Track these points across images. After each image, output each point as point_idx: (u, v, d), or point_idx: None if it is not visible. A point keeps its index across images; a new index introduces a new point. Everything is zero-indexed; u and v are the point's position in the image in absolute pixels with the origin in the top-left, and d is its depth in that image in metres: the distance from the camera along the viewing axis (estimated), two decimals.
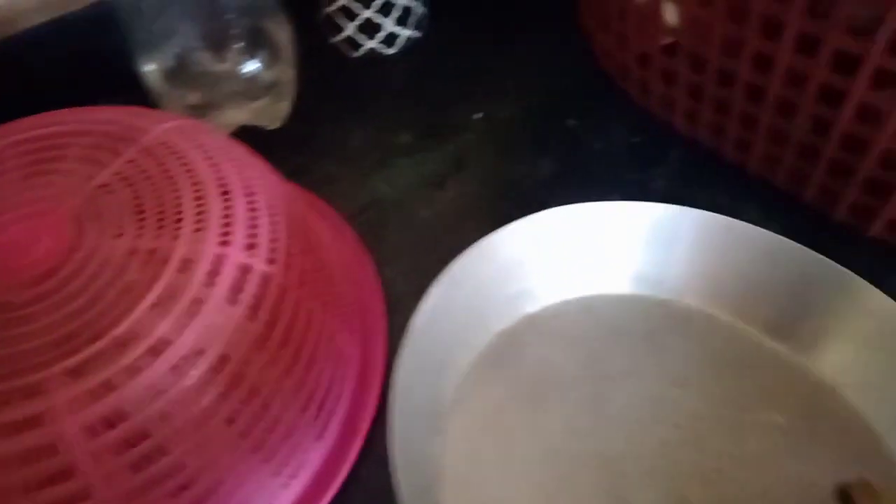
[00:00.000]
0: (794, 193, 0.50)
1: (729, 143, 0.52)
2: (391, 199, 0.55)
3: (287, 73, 0.57)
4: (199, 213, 0.32)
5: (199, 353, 0.30)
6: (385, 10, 0.60)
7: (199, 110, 0.55)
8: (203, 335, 0.30)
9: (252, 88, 0.56)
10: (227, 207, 0.33)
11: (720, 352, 0.44)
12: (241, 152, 0.38)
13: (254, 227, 0.33)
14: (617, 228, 0.46)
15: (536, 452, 0.40)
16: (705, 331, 0.45)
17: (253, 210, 0.34)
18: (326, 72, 0.63)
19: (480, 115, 0.59)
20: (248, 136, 0.57)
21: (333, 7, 0.60)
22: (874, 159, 0.43)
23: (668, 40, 0.50)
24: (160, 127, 0.35)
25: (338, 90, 0.62)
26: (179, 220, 0.32)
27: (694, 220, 0.45)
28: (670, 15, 0.49)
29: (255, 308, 0.32)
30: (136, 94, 0.55)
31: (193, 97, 0.55)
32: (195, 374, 0.30)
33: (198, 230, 0.31)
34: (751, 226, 0.44)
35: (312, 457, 0.37)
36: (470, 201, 0.54)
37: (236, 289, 0.31)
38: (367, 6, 0.59)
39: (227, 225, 0.32)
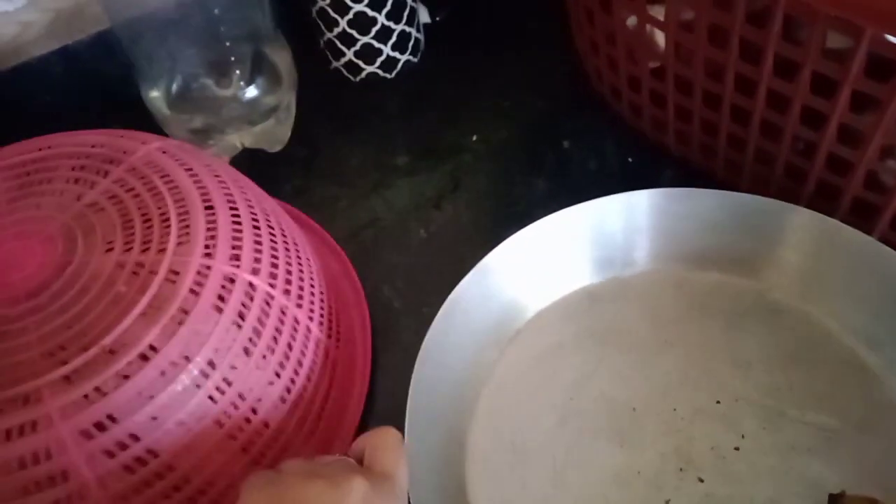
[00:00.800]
0: None
1: (719, 164, 0.52)
2: (389, 219, 0.56)
3: (287, 97, 0.59)
4: (183, 227, 0.34)
5: (186, 358, 0.31)
6: (383, 36, 0.62)
7: (203, 134, 0.57)
8: (190, 342, 0.31)
9: (253, 112, 0.58)
10: (210, 221, 0.34)
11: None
12: (224, 169, 0.39)
13: (237, 239, 0.35)
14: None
15: (566, 389, 0.44)
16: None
17: (236, 223, 0.35)
18: (328, 96, 0.64)
19: (475, 136, 0.60)
20: (250, 158, 0.59)
21: (334, 33, 0.62)
22: (859, 180, 0.44)
23: (656, 64, 0.51)
24: (145, 147, 0.37)
25: (338, 113, 0.63)
26: (166, 234, 0.33)
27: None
28: (658, 39, 0.50)
29: (241, 315, 0.33)
30: (141, 119, 0.57)
31: (197, 122, 0.57)
32: (184, 378, 0.31)
33: (182, 243, 0.33)
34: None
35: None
36: (466, 221, 0.56)
37: (222, 298, 0.33)
38: (366, 32, 0.61)
39: (211, 238, 0.34)
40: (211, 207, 0.35)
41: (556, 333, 0.47)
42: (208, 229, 0.34)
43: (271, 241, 0.37)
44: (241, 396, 0.33)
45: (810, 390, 0.43)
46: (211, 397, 0.32)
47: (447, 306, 0.44)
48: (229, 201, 0.36)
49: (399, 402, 0.41)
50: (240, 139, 0.58)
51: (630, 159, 0.57)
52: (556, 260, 0.48)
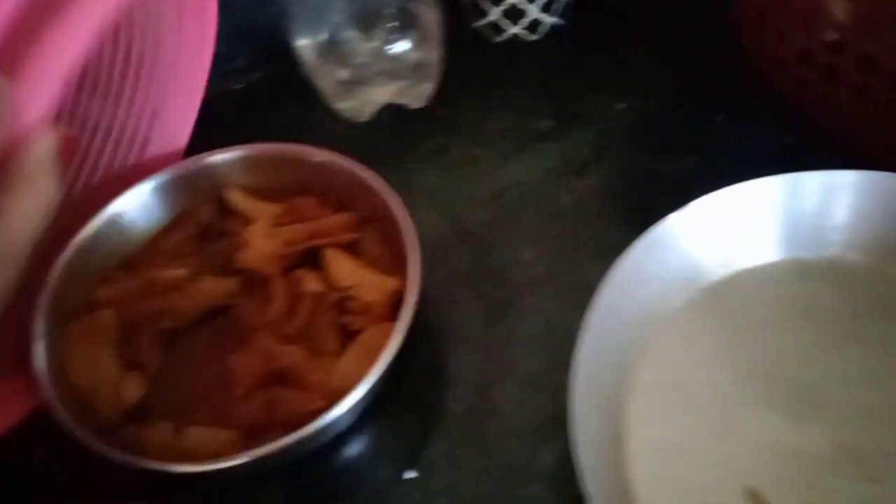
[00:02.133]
0: None
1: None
2: (530, 183, 0.55)
3: (433, 54, 0.58)
4: None
5: None
6: None
7: (348, 86, 0.57)
8: None
9: (398, 68, 0.57)
10: None
11: None
12: None
13: None
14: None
15: (747, 349, 0.44)
16: None
17: None
18: (469, 56, 0.63)
19: (623, 105, 0.59)
20: (392, 113, 0.59)
21: None
22: None
23: (833, 36, 0.48)
24: None
25: (480, 74, 0.62)
26: None
27: None
28: (838, 10, 0.47)
29: None
30: (288, 70, 0.57)
31: (343, 73, 0.57)
32: None
33: None
34: None
35: None
36: (609, 190, 0.54)
37: None
38: None
39: None
40: None
41: (747, 297, 0.46)
42: None
43: None
44: None
45: None
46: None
47: (640, 245, 0.44)
48: None
49: (533, 368, 0.42)
50: (383, 93, 0.58)
51: (788, 139, 0.54)
52: (750, 229, 0.47)
